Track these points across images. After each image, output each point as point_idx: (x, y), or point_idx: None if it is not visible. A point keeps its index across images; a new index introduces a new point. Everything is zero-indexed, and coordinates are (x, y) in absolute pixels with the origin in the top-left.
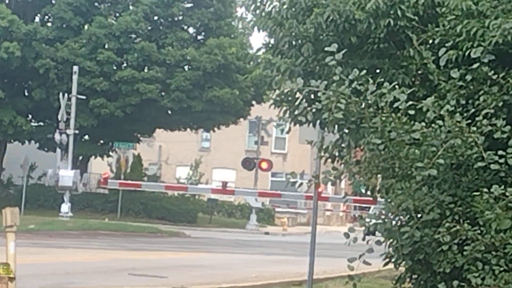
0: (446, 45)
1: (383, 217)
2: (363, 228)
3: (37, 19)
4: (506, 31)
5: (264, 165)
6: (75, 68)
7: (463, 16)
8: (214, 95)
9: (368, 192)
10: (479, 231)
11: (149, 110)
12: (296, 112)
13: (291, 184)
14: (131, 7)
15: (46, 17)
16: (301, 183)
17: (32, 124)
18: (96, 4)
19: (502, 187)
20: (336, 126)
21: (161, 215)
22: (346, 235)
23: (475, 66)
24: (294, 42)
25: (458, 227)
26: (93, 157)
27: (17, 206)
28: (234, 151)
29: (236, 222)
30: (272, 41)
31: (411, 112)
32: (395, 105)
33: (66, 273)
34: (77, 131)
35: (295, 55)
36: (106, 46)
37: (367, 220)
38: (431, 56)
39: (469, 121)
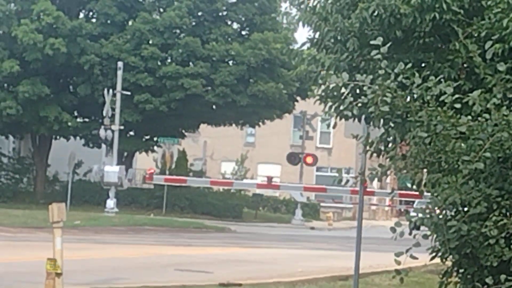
0: (492, 38)
1: (429, 211)
2: (409, 222)
3: (81, 15)
4: None
5: (309, 159)
6: (120, 63)
7: (509, 9)
8: (258, 89)
9: (414, 187)
10: None
11: (193, 105)
12: (341, 107)
13: (337, 182)
14: (175, 3)
15: (91, 13)
16: (348, 180)
17: (77, 120)
18: None
19: None
20: (382, 120)
21: (206, 211)
22: (393, 230)
23: None
24: (339, 37)
25: (505, 220)
26: (138, 152)
27: (63, 202)
28: (279, 146)
29: (282, 217)
30: (316, 36)
31: (457, 105)
32: (441, 98)
33: (112, 269)
34: (122, 127)
35: (340, 50)
36: (151, 42)
37: (413, 214)
38: (477, 50)
39: None
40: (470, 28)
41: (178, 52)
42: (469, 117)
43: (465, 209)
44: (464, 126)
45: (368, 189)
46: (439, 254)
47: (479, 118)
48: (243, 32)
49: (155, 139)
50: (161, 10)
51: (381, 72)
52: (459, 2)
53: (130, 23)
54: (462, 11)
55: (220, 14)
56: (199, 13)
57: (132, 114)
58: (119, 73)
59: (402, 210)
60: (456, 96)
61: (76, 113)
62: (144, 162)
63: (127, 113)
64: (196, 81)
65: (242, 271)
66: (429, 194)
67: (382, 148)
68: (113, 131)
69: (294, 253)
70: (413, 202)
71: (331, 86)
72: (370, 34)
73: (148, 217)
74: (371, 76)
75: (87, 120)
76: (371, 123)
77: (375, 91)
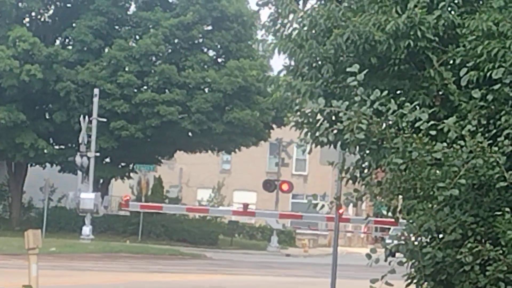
0: (467, 65)
1: (404, 238)
2: (384, 249)
3: (58, 42)
4: None
5: (285, 186)
6: (96, 90)
7: (484, 37)
8: (234, 117)
9: (390, 213)
10: (501, 251)
11: (169, 132)
12: (317, 133)
13: (313, 206)
14: (151, 30)
15: (67, 40)
16: (323, 205)
17: (53, 147)
18: (116, 27)
19: None
20: (358, 147)
21: (182, 237)
22: (368, 256)
23: (496, 87)
24: (314, 64)
25: (480, 247)
26: (114, 179)
27: (38, 229)
28: (255, 173)
29: (257, 244)
30: (292, 63)
31: (433, 132)
32: (416, 125)
33: None
34: (98, 154)
35: (315, 77)
36: (127, 69)
37: (389, 241)
38: (452, 77)
39: (491, 141)
40: (445, 56)
41: (154, 79)
42: (444, 143)
43: (440, 235)
44: (439, 153)
45: (343, 216)
46: (415, 281)
47: (454, 145)
48: (219, 60)
49: (131, 166)
50: (137, 37)
51: (356, 98)
52: (434, 29)
53: (106, 50)
54: (437, 39)
55: (196, 41)
56: (175, 41)
57: (108, 141)
58: (95, 100)
59: (378, 237)
60: (431, 122)
61: (52, 140)
62: (120, 189)
63: (103, 140)
64: (172, 108)
65: None
66: (404, 220)
67: (358, 174)
68: (89, 158)
69: (269, 280)
70: (389, 229)
71: (307, 112)
72: (345, 61)
73: (124, 244)
74: (346, 103)
75: (63, 147)
76: (347, 149)
77: (350, 117)
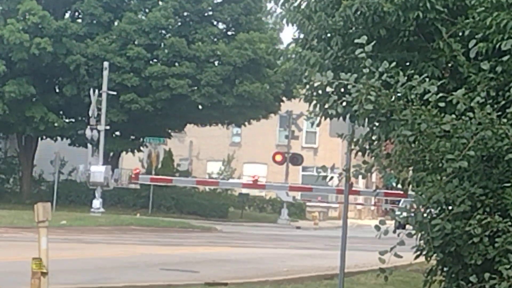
0: (476, 37)
1: (413, 210)
2: (394, 221)
3: (67, 15)
4: None
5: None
6: (106, 64)
7: (493, 8)
8: (244, 89)
9: (399, 185)
10: (510, 223)
11: (179, 105)
12: (326, 106)
13: (322, 178)
14: (160, 3)
15: (77, 13)
16: (332, 177)
17: (63, 120)
18: (125, 0)
19: None
20: (367, 119)
21: (192, 210)
22: (377, 228)
23: (505, 58)
24: (323, 36)
25: (489, 219)
26: (124, 152)
27: (49, 202)
28: (265, 146)
29: (267, 217)
30: (301, 35)
31: (441, 104)
32: (425, 97)
33: (98, 269)
34: (108, 127)
35: (324, 49)
36: (136, 42)
37: (398, 213)
38: (461, 49)
39: (500, 113)
40: (454, 27)
41: (164, 52)
42: (453, 115)
43: (449, 207)
44: (448, 125)
45: (353, 189)
46: (424, 252)
47: (463, 117)
48: (229, 32)
49: (141, 139)
50: (147, 10)
51: (365, 70)
52: (443, 1)
53: (116, 23)
54: (446, 10)
55: (206, 14)
56: (185, 14)
57: (118, 114)
58: (105, 73)
59: (388, 209)
60: (440, 94)
61: (62, 113)
62: (130, 162)
63: (113, 113)
64: (182, 81)
65: (228, 270)
66: (413, 192)
67: (367, 146)
68: (99, 131)
69: (280, 253)
70: (399, 201)
71: (316, 84)
72: (354, 32)
73: (134, 217)
74: (355, 75)
75: (73, 120)
76: (356, 121)
77: (359, 89)
